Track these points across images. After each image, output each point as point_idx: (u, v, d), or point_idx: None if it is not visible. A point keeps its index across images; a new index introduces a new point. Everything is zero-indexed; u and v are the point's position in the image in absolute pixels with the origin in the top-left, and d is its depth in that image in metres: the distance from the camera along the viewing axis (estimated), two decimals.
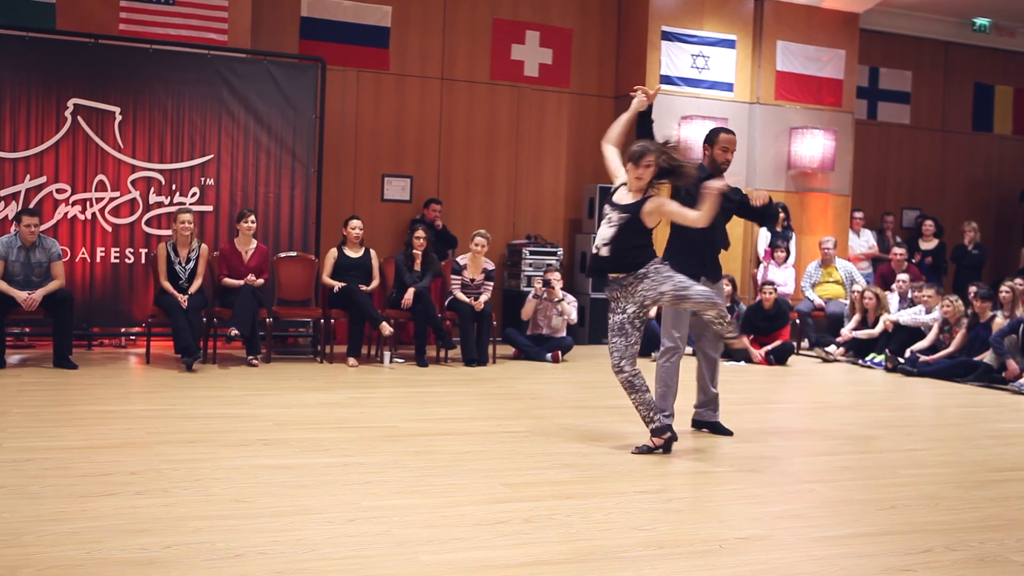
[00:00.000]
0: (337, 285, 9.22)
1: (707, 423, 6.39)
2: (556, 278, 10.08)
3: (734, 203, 6.25)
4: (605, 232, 5.57)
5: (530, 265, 11.21)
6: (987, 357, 9.43)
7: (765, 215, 6.28)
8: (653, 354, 10.28)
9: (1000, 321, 9.61)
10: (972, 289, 10.43)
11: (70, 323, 8.34)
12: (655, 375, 6.19)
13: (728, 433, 6.29)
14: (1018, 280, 10.16)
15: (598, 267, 5.66)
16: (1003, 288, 9.85)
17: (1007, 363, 9.20)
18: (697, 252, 6.11)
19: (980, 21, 13.96)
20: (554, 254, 11.36)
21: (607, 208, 5.62)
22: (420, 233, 9.63)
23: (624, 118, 5.93)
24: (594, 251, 5.64)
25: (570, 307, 10.08)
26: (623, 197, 5.59)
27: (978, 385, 9.27)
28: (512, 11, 11.91)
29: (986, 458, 6.02)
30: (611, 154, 5.83)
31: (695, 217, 5.48)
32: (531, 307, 10.15)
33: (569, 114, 12.23)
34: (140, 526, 3.90)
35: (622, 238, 5.51)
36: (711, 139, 6.25)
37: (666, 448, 5.66)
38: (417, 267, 9.55)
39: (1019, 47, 14.72)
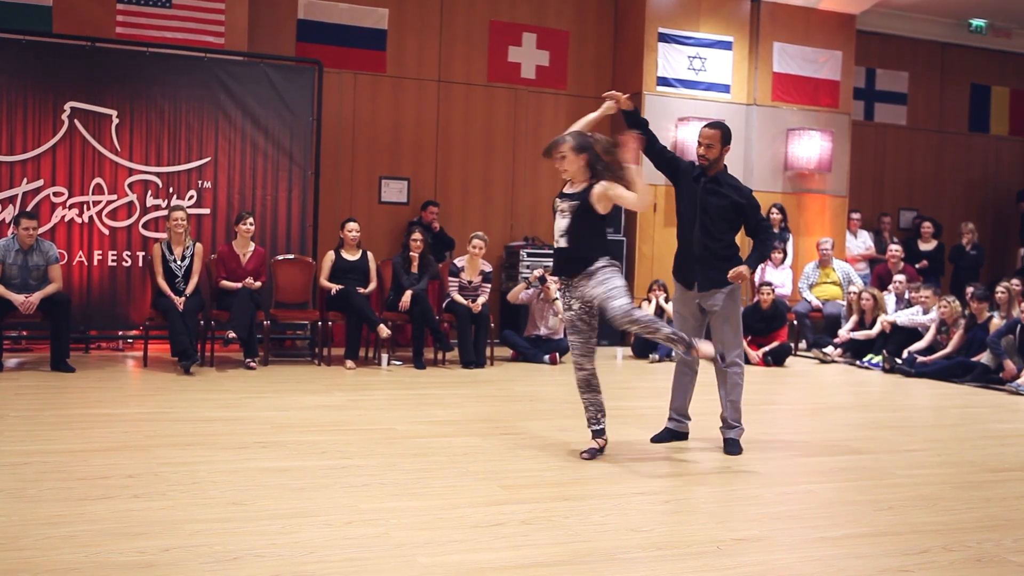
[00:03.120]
0: (335, 288, 9.22)
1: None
2: (553, 279, 10.08)
3: (731, 204, 5.90)
4: (560, 223, 5.43)
5: (527, 267, 11.20)
6: (984, 358, 9.44)
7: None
8: (651, 355, 10.37)
9: (998, 322, 9.62)
10: (969, 290, 10.44)
11: (67, 326, 8.34)
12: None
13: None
14: (1014, 281, 10.17)
15: (561, 258, 5.48)
16: (999, 289, 9.85)
17: (1004, 363, 9.21)
18: (685, 258, 5.95)
19: (976, 22, 13.98)
20: (551, 256, 11.34)
21: (557, 200, 5.48)
22: (417, 235, 9.63)
23: (589, 118, 5.78)
24: (555, 245, 5.49)
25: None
26: (571, 187, 5.49)
27: (975, 386, 9.28)
28: (509, 13, 11.91)
29: (983, 458, 6.03)
30: None
31: (632, 199, 5.35)
32: (519, 291, 10.12)
33: (566, 116, 12.21)
34: (137, 529, 3.90)
35: (576, 228, 5.38)
36: (728, 138, 5.95)
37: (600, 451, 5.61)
38: (414, 269, 9.55)
39: (1015, 48, 14.74)
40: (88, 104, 9.23)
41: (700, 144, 5.92)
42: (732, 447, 5.88)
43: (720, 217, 5.89)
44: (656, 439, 6.09)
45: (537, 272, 10.12)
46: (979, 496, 5.01)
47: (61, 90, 9.15)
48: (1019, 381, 8.95)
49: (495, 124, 11.92)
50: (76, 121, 9.19)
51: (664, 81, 11.88)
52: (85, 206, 9.23)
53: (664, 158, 6.00)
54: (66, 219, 9.17)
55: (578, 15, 12.25)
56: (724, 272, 5.84)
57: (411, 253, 9.54)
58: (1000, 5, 13.42)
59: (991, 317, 9.74)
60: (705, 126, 6.03)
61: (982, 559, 3.94)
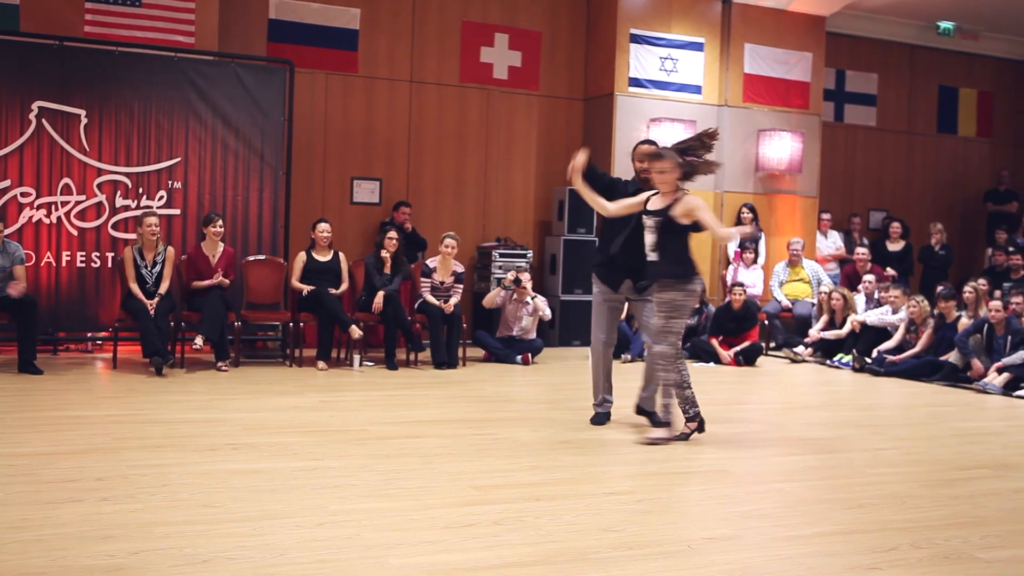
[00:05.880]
0: (306, 289, 9.18)
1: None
2: (526, 278, 10.09)
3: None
4: (649, 239, 6.09)
5: (500, 268, 11.20)
6: (952, 357, 9.53)
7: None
8: (624, 355, 10.41)
9: (966, 321, 9.71)
10: (938, 289, 10.54)
11: (34, 328, 8.25)
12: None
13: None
14: (981, 280, 10.28)
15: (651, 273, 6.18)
16: (967, 288, 9.95)
17: (972, 362, 9.30)
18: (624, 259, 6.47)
19: (944, 25, 14.11)
20: (524, 256, 11.37)
21: (644, 217, 6.10)
22: (393, 234, 9.61)
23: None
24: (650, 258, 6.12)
25: (542, 304, 10.11)
26: (655, 203, 6.08)
27: (944, 384, 9.37)
28: (481, 13, 11.91)
29: (951, 456, 6.09)
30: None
31: (722, 233, 6.27)
32: (494, 295, 10.15)
33: (539, 116, 12.25)
34: (106, 532, 3.86)
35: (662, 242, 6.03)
36: (633, 150, 6.64)
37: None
38: (387, 270, 9.53)
39: (982, 50, 14.89)
40: (56, 104, 9.13)
41: (643, 161, 6.45)
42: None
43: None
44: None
45: (511, 275, 10.12)
46: (947, 494, 5.06)
47: (28, 89, 9.04)
48: (986, 380, 9.04)
49: (467, 124, 11.91)
50: (44, 121, 9.09)
51: (636, 82, 11.91)
52: (53, 207, 9.14)
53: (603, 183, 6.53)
54: (34, 220, 9.07)
55: (550, 16, 12.26)
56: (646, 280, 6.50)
57: (384, 252, 9.51)
58: (967, 8, 13.55)
59: (959, 316, 9.83)
60: (646, 143, 6.73)
61: (950, 556, 3.98)
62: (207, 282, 8.84)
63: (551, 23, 12.27)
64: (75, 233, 9.22)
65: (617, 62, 11.86)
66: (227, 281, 8.93)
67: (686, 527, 4.29)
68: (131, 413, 6.58)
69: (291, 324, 9.46)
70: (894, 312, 10.55)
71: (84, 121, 9.22)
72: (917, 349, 9.99)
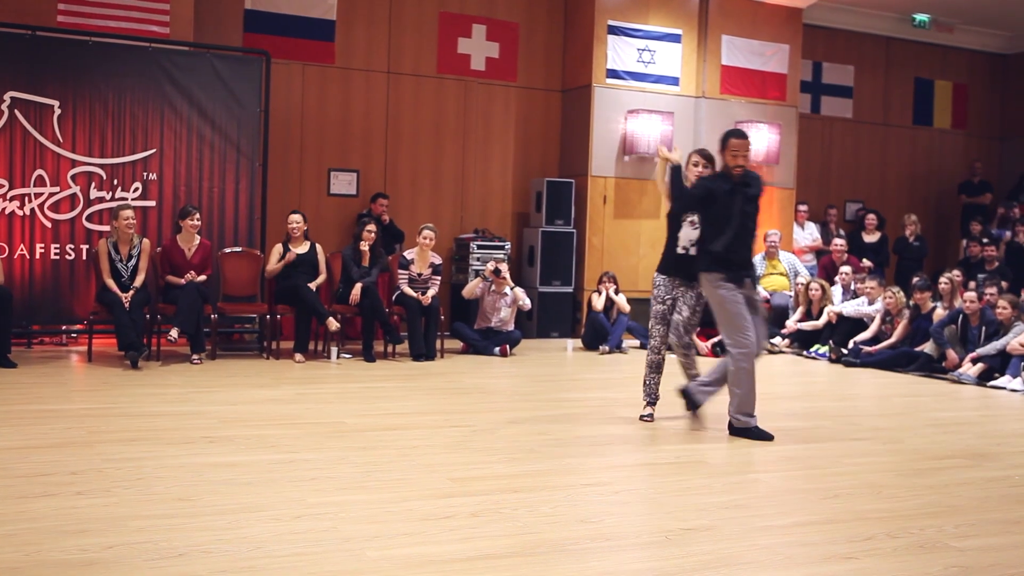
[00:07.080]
0: (282, 263, 9.19)
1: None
2: (505, 269, 10.09)
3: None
4: (691, 234, 6.36)
5: (478, 259, 11.18)
6: (927, 347, 9.60)
7: None
8: (601, 347, 10.42)
9: (940, 312, 9.78)
10: (914, 280, 10.60)
11: (8, 321, 8.16)
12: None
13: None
14: (956, 272, 10.35)
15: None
16: (942, 280, 10.02)
17: (947, 353, 9.37)
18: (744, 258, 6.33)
19: (920, 17, 14.18)
20: (502, 248, 11.35)
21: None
22: (371, 227, 9.58)
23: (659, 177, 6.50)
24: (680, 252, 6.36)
25: (522, 294, 10.12)
26: None
27: (919, 375, 9.43)
28: (458, 5, 11.87)
29: (926, 446, 6.13)
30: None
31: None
32: (474, 286, 10.14)
33: (516, 108, 12.22)
34: (80, 527, 3.83)
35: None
36: (722, 144, 6.22)
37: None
38: (366, 263, 9.49)
39: (958, 43, 14.97)
40: (29, 94, 9.04)
41: (737, 155, 6.16)
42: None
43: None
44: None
45: (491, 265, 10.11)
46: (922, 483, 5.09)
47: (1, 80, 8.94)
48: (961, 370, 9.11)
49: (445, 116, 11.87)
50: (16, 111, 9.00)
51: (613, 73, 11.91)
52: (27, 198, 9.05)
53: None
54: (7, 211, 8.98)
55: (528, 7, 12.24)
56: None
57: (362, 243, 9.47)
58: (942, 1, 13.62)
59: (934, 307, 9.90)
60: (739, 136, 6.25)
61: (924, 545, 4.01)
62: (182, 280, 8.77)
63: (529, 14, 12.25)
64: (49, 225, 9.13)
65: (595, 53, 11.84)
66: (202, 278, 8.88)
67: (663, 518, 4.30)
68: (106, 406, 6.54)
69: (268, 316, 9.42)
70: (870, 303, 10.61)
71: (58, 112, 9.13)
72: (893, 340, 10.05)
